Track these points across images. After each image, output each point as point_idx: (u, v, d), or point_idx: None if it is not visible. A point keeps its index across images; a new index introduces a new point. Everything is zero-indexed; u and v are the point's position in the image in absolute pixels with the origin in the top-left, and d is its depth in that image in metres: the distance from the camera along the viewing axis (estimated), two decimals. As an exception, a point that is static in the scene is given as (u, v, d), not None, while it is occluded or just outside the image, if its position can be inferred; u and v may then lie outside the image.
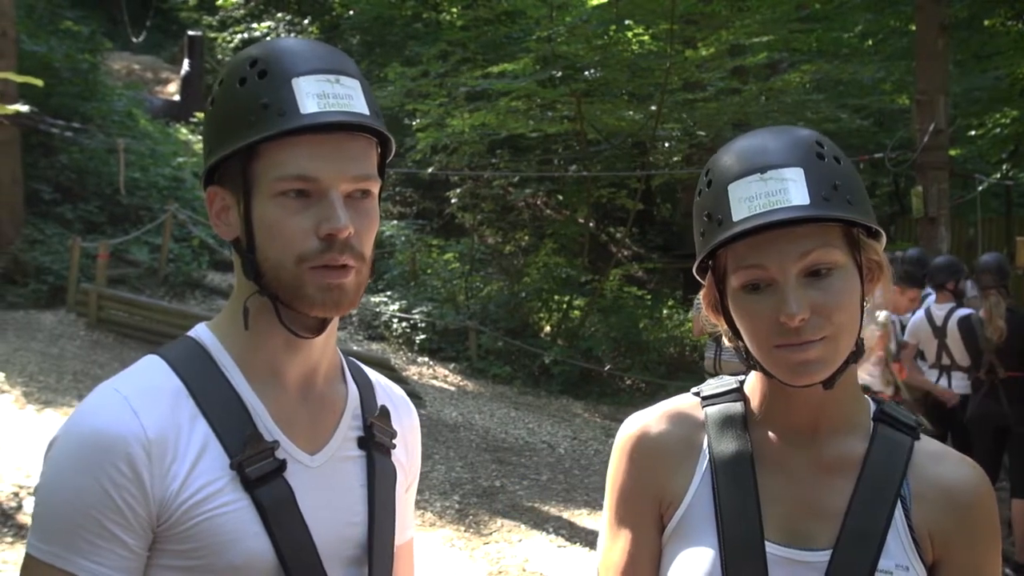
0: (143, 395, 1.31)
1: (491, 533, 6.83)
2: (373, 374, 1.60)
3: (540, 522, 7.11)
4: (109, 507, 1.25)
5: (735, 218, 1.31)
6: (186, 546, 1.28)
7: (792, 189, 1.29)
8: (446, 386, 11.88)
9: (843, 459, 1.41)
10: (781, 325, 1.31)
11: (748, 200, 1.31)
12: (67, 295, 12.41)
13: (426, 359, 13.02)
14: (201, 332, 1.42)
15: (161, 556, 1.29)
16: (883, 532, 1.35)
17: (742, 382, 1.51)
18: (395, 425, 1.53)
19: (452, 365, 12.88)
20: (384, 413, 1.51)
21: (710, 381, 1.55)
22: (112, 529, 1.25)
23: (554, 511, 7.41)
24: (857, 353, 1.37)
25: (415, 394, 10.55)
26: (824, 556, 1.35)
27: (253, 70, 1.31)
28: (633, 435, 1.51)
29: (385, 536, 1.46)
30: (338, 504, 1.40)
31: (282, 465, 1.34)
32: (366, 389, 1.53)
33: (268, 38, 16.85)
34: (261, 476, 1.31)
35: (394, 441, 1.52)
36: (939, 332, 7.23)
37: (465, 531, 6.84)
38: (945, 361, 7.25)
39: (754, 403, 1.47)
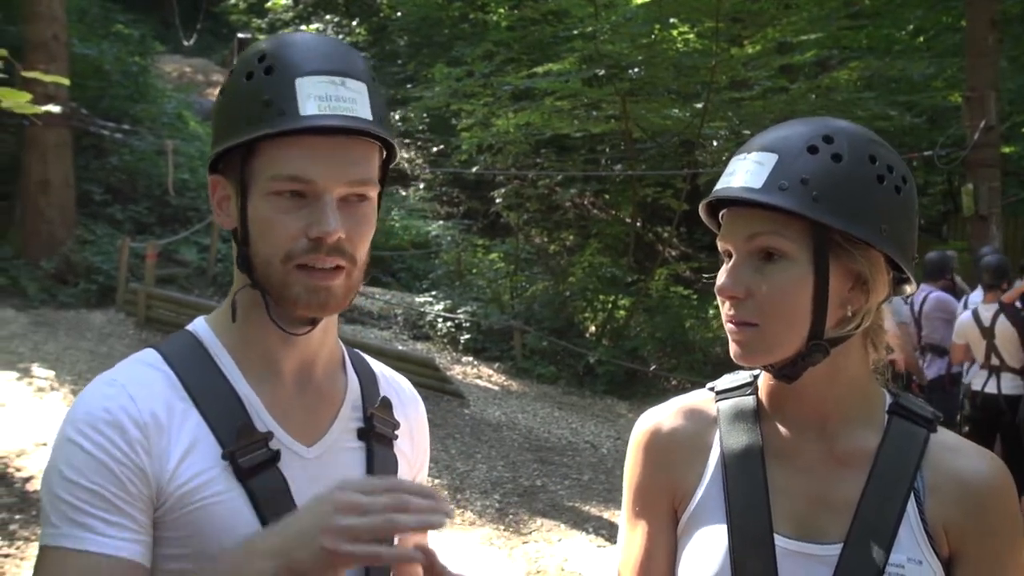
0: (138, 385, 1.32)
1: (530, 532, 6.81)
2: (378, 365, 1.60)
3: (580, 522, 7.09)
4: (112, 482, 1.25)
5: (715, 187, 1.39)
6: (181, 533, 1.29)
7: (756, 172, 1.33)
8: (490, 386, 11.88)
9: (855, 452, 1.40)
10: (729, 300, 1.36)
11: (730, 174, 1.37)
12: (116, 295, 12.58)
13: (471, 359, 13.03)
14: (198, 325, 1.45)
15: (159, 544, 1.30)
16: (895, 526, 1.33)
17: (756, 376, 1.51)
18: (399, 416, 1.53)
19: (496, 365, 12.88)
20: (385, 404, 1.51)
21: (726, 376, 1.56)
22: (120, 504, 1.26)
23: (595, 511, 7.37)
24: (818, 353, 1.35)
25: (459, 393, 10.57)
26: (835, 550, 1.34)
27: (260, 65, 1.31)
28: (647, 431, 1.53)
29: None
30: None
31: (276, 456, 1.34)
32: (368, 380, 1.53)
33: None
34: (254, 466, 1.32)
35: (396, 432, 1.51)
36: (987, 333, 7.10)
37: (505, 530, 6.83)
38: (994, 362, 7.11)
39: (765, 397, 1.47)
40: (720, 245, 1.40)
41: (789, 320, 1.33)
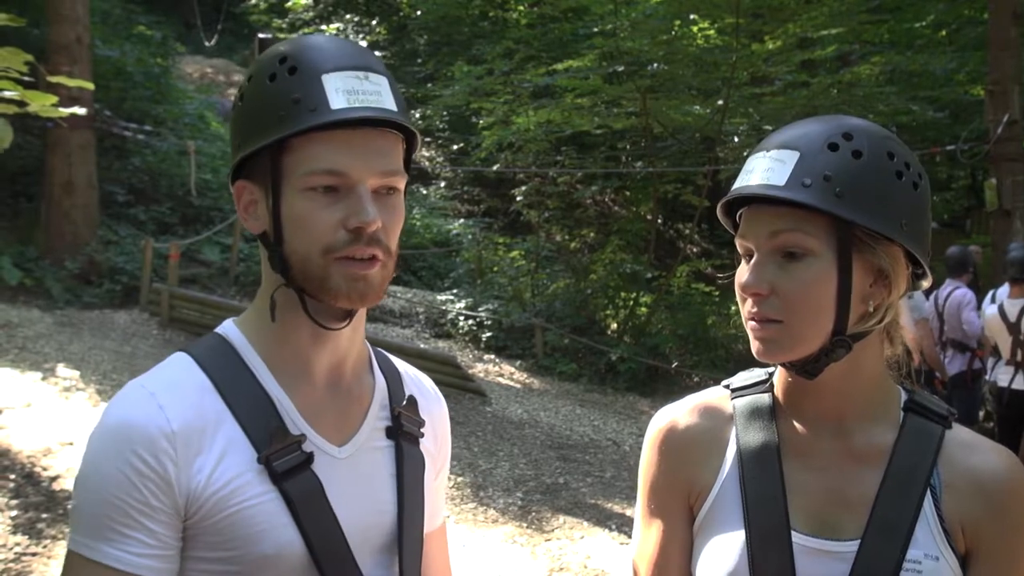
0: (169, 390, 1.34)
1: (553, 530, 6.82)
2: (401, 364, 1.62)
3: (603, 519, 7.09)
4: (134, 496, 1.27)
5: (734, 186, 1.40)
6: (218, 538, 1.31)
7: (778, 169, 1.33)
8: (512, 384, 11.89)
9: (871, 449, 1.40)
10: (752, 298, 1.36)
11: (748, 172, 1.37)
12: (140, 295, 12.64)
13: (492, 357, 13.04)
14: (228, 328, 1.46)
15: (196, 548, 1.32)
16: (911, 522, 1.34)
17: (771, 374, 1.51)
18: (423, 414, 1.55)
19: (518, 363, 12.87)
20: (411, 402, 1.53)
21: (741, 373, 1.57)
22: (138, 518, 1.27)
23: (617, 508, 7.37)
24: (841, 348, 1.35)
25: (480, 391, 10.58)
26: (852, 546, 1.35)
27: (283, 66, 1.33)
28: (662, 428, 1.54)
29: (415, 524, 1.47)
30: (367, 494, 1.42)
31: (309, 458, 1.36)
32: (393, 379, 1.55)
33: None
34: (288, 469, 1.33)
35: (422, 430, 1.53)
36: (1013, 328, 7.05)
37: (527, 528, 6.84)
38: (1020, 357, 7.06)
39: (781, 394, 1.47)
40: (740, 243, 1.40)
41: (813, 316, 1.33)
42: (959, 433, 1.43)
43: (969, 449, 1.40)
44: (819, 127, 1.36)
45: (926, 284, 1.43)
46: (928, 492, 1.36)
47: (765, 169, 1.34)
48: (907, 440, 1.39)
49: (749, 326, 1.38)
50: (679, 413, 1.54)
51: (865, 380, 1.41)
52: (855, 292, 1.34)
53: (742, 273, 1.38)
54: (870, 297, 1.36)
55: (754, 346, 1.38)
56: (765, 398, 1.48)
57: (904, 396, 1.45)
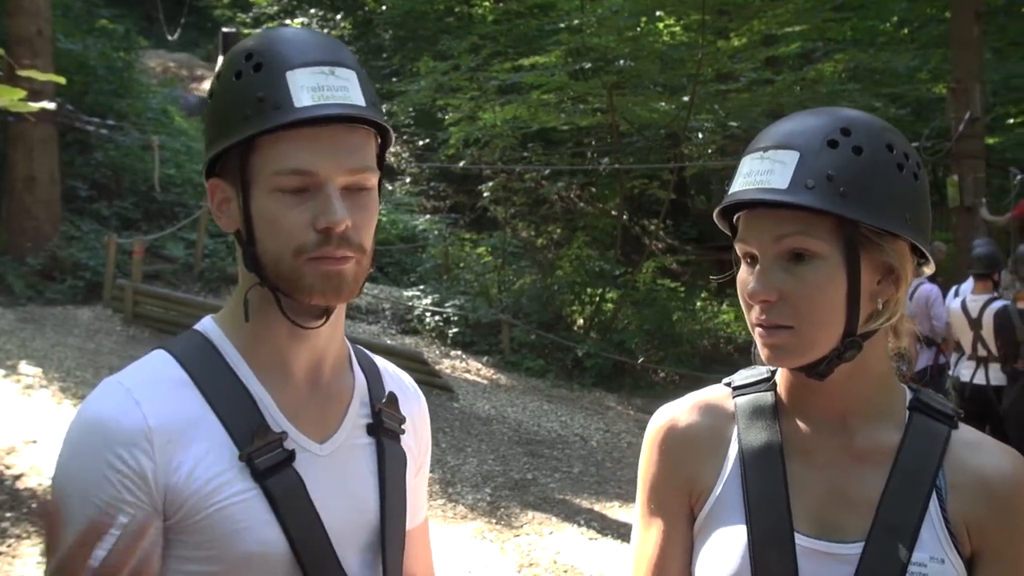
0: (145, 386, 1.32)
1: (522, 526, 6.83)
2: (380, 361, 1.61)
3: (571, 515, 7.10)
4: (114, 495, 1.25)
5: (731, 190, 1.35)
6: (200, 537, 1.29)
7: (778, 171, 1.29)
8: (479, 380, 11.89)
9: (876, 449, 1.38)
10: (760, 304, 1.33)
11: (746, 175, 1.33)
12: (103, 291, 12.53)
13: (459, 353, 13.03)
14: (207, 325, 1.43)
15: (177, 547, 1.30)
16: (917, 524, 1.31)
17: (773, 372, 1.48)
18: (403, 411, 1.54)
19: (485, 359, 12.88)
20: (392, 399, 1.52)
21: (742, 371, 1.53)
22: (120, 518, 1.25)
23: (586, 504, 7.40)
24: (853, 349, 1.33)
25: (448, 387, 10.57)
26: (856, 549, 1.32)
27: (248, 63, 1.31)
28: (662, 427, 1.50)
29: (397, 520, 1.47)
30: (349, 491, 1.41)
31: (291, 455, 1.34)
32: (373, 376, 1.53)
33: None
34: (270, 466, 1.32)
35: (403, 426, 1.52)
36: (975, 323, 7.14)
37: (496, 523, 6.85)
38: (982, 353, 7.15)
39: (784, 392, 1.45)
40: (740, 248, 1.36)
41: (825, 320, 1.30)
42: (965, 433, 1.40)
43: (975, 450, 1.38)
44: (815, 122, 1.33)
45: (928, 271, 1.40)
46: (934, 493, 1.34)
47: (765, 171, 1.30)
48: (913, 440, 1.37)
49: (757, 332, 1.34)
50: (679, 411, 1.50)
51: (871, 378, 1.38)
52: (864, 291, 1.31)
53: (746, 279, 1.34)
54: (878, 295, 1.34)
55: (763, 353, 1.34)
56: (768, 396, 1.45)
57: (909, 395, 1.43)
